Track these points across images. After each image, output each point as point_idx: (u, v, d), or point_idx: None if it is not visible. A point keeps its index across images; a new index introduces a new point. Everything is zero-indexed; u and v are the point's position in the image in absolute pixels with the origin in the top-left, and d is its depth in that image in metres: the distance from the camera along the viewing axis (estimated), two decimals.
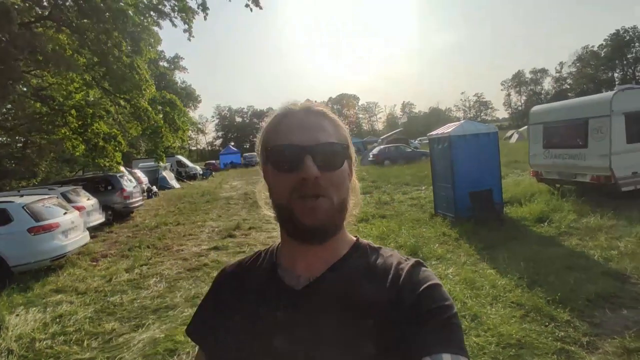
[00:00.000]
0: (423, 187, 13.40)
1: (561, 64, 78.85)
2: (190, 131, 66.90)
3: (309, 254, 0.71)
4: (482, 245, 6.17)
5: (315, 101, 0.78)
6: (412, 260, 0.72)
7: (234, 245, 7.88)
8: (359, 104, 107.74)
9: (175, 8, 12.37)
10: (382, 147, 26.10)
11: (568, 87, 76.61)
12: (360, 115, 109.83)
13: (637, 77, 65.79)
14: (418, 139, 52.11)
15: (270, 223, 9.56)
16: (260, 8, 11.59)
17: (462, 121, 8.43)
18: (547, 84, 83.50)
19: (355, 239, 0.78)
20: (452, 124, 8.71)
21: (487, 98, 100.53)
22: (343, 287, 0.69)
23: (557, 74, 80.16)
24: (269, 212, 0.77)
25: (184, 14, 12.32)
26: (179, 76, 55.82)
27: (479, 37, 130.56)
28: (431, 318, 0.62)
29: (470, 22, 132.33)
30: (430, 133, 9.04)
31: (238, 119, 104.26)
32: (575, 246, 5.90)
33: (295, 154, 0.66)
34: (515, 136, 33.50)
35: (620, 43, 66.67)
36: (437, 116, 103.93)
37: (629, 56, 67.20)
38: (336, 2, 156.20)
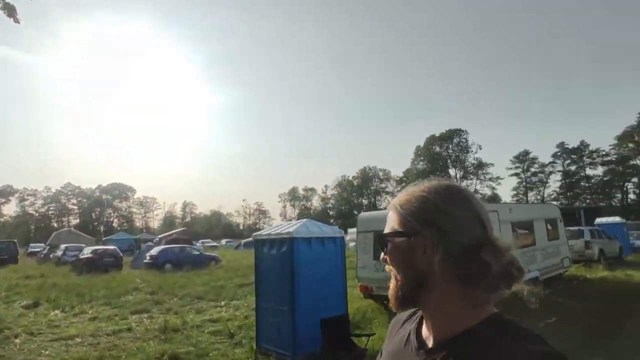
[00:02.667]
0: (223, 303, 10.39)
1: (326, 186, 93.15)
2: None
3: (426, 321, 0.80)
4: None
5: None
6: None
7: None
8: (135, 196, 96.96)
9: None
10: (162, 247, 21.65)
11: (331, 206, 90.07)
12: (134, 210, 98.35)
13: (377, 205, 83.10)
14: (201, 240, 48.57)
15: None
16: (17, 22, 7.52)
17: (303, 220, 6.45)
18: (315, 202, 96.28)
19: (488, 314, 0.74)
20: (287, 223, 6.60)
21: (265, 207, 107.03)
22: None
23: (323, 194, 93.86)
24: None
25: None
26: None
27: (261, 151, 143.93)
28: None
29: (255, 137, 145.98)
30: (259, 233, 6.63)
31: None
32: None
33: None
34: None
35: (366, 177, 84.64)
36: (218, 220, 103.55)
37: (371, 188, 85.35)
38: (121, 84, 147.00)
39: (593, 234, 14.58)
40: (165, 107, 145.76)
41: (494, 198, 67.82)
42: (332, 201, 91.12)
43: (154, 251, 20.43)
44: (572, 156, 62.26)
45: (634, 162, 56.66)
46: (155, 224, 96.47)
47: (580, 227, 14.50)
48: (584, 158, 61.18)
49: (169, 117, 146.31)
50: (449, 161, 70.73)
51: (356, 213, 77.52)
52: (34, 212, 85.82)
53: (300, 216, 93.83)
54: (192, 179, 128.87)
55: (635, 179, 57.00)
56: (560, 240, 11.19)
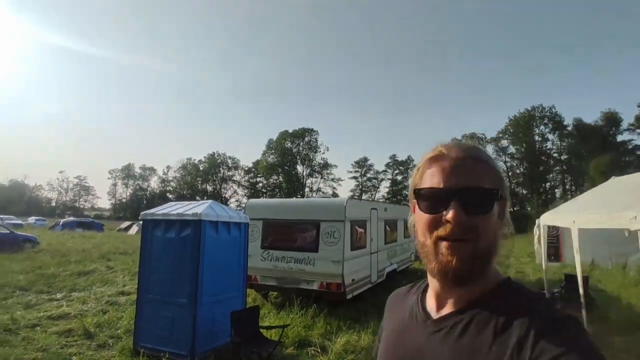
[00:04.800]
0: (60, 296, 8.48)
1: (168, 167, 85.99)
2: None
3: (448, 289, 0.74)
4: None
5: (468, 142, 0.83)
6: (560, 318, 0.63)
7: None
8: None
9: None
10: None
11: (171, 189, 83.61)
12: None
13: (223, 193, 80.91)
14: None
15: None
16: None
17: (207, 201, 5.67)
18: (154, 183, 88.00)
19: (504, 278, 0.75)
20: (189, 203, 5.73)
21: (90, 183, 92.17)
22: (466, 331, 0.68)
23: (164, 176, 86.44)
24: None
25: None
26: None
27: (89, 115, 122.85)
28: None
29: (84, 98, 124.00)
30: (150, 211, 5.56)
31: None
32: None
33: (442, 197, 0.69)
34: (136, 228, 31.24)
35: (214, 162, 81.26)
36: (22, 192, 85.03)
37: (218, 175, 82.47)
38: None
39: None
40: None
41: (334, 196, 73.98)
42: (172, 184, 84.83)
43: None
44: (400, 167, 73.03)
45: None
46: None
47: None
48: (409, 170, 72.50)
49: None
50: (298, 157, 73.94)
51: (198, 198, 74.14)
52: None
53: (132, 196, 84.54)
54: None
55: None
56: (411, 238, 12.83)
